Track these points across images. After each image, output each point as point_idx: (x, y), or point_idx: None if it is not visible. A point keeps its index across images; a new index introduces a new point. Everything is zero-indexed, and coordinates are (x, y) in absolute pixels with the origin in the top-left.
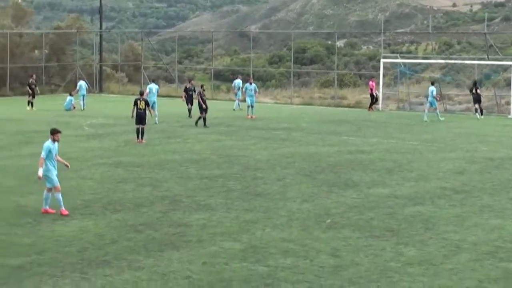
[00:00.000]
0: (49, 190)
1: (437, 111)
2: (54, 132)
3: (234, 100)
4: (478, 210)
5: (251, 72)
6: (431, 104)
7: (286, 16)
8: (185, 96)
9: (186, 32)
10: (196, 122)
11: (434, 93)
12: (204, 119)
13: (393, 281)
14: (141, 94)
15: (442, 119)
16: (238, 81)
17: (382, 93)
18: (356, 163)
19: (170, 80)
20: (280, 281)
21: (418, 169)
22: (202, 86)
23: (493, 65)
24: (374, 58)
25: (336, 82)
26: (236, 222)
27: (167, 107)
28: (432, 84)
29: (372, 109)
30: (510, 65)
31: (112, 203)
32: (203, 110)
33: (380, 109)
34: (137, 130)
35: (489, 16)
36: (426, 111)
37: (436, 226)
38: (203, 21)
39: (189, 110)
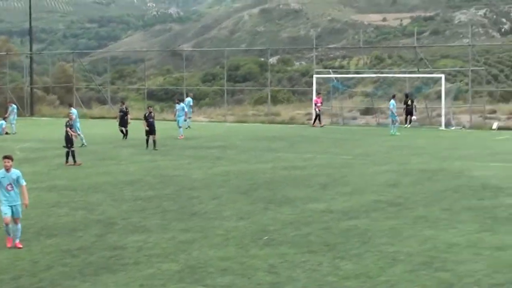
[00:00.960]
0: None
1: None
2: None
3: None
4: (412, 221)
5: (184, 91)
6: (392, 117)
7: (219, 34)
8: (118, 117)
9: (118, 52)
10: (147, 145)
11: (391, 106)
12: (152, 142)
13: None
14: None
15: (394, 133)
16: (188, 99)
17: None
18: (291, 179)
19: (103, 101)
20: None
21: (352, 183)
22: (148, 108)
23: (423, 78)
24: (307, 74)
25: (269, 99)
26: (172, 242)
27: (100, 128)
28: (393, 97)
29: (315, 125)
30: (440, 78)
31: (46, 228)
32: (147, 132)
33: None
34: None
35: (419, 30)
36: (397, 124)
37: (371, 239)
38: (135, 41)
39: (122, 132)
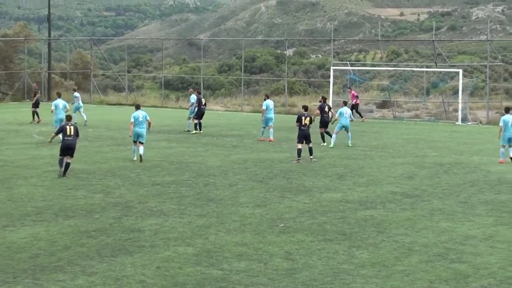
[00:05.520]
0: None
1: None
2: None
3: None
4: (428, 213)
5: (201, 81)
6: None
7: (235, 25)
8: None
9: (135, 40)
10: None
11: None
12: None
13: (346, 283)
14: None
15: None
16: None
17: (332, 100)
18: (307, 169)
19: (119, 89)
20: (234, 284)
21: (369, 174)
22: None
23: (440, 73)
24: (323, 67)
25: (286, 90)
26: (189, 227)
27: (116, 115)
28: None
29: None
30: (457, 73)
31: (64, 209)
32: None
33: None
34: None
35: (436, 25)
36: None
37: (387, 230)
38: (151, 30)
39: (200, 124)
